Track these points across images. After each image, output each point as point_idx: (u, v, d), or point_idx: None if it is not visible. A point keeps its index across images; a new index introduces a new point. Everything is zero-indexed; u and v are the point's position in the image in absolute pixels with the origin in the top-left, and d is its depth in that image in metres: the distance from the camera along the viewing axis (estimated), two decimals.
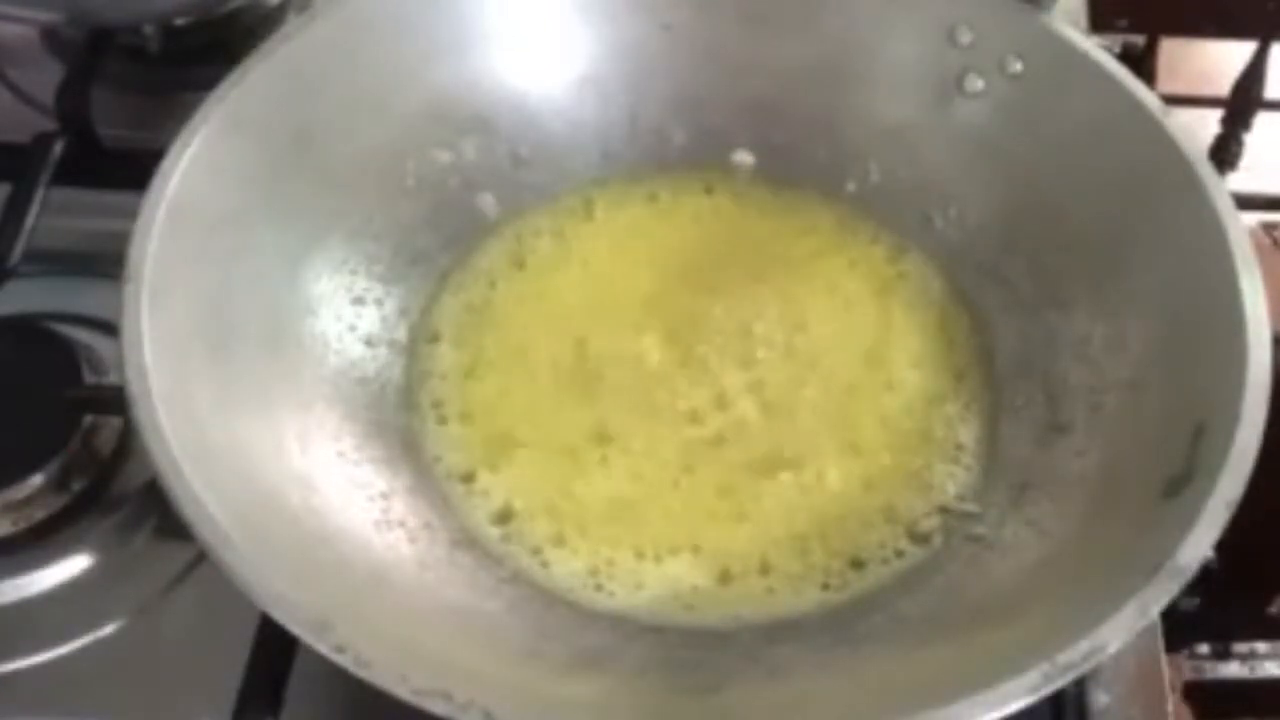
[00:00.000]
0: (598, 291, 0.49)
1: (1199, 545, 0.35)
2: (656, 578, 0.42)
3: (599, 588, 0.42)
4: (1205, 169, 0.43)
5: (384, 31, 0.47)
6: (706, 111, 0.51)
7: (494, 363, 0.47)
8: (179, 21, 0.60)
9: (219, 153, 0.42)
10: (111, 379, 0.48)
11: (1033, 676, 0.32)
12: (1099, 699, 0.43)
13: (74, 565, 0.46)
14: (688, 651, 0.41)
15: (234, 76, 0.43)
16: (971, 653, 0.37)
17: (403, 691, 0.32)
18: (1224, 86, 0.82)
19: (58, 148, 0.54)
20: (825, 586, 0.43)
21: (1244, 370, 0.38)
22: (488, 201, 0.50)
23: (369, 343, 0.46)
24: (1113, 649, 0.33)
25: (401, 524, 0.42)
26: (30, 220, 0.51)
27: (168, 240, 0.39)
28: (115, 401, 0.39)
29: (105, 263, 0.42)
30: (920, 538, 0.44)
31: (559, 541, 0.43)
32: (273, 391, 0.42)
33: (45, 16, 0.58)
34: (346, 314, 0.46)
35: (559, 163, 0.51)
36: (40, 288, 0.52)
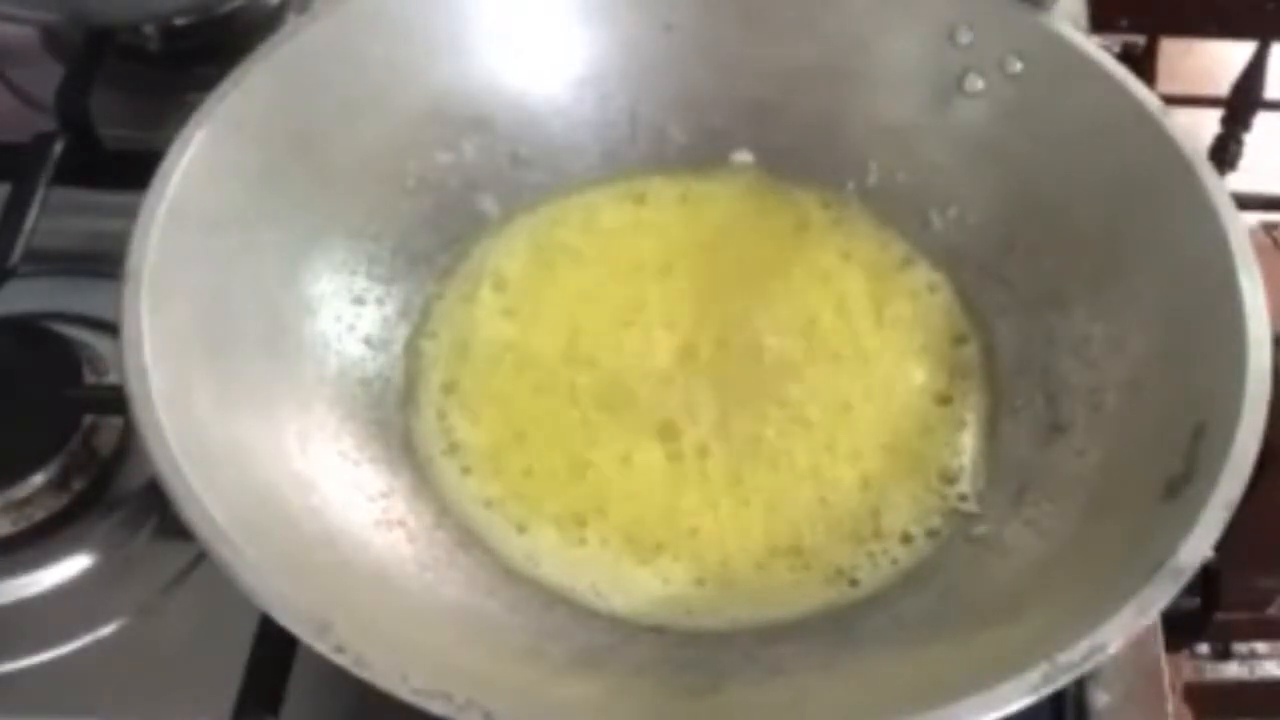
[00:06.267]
0: (597, 291, 0.49)
1: (1199, 545, 0.35)
2: (655, 580, 0.42)
3: (597, 591, 0.42)
4: (1205, 169, 0.43)
5: (384, 31, 0.47)
6: (706, 111, 0.51)
7: (494, 363, 0.47)
8: (179, 21, 0.60)
9: (219, 153, 0.42)
10: (111, 379, 0.48)
11: (1033, 676, 0.33)
12: (1099, 699, 0.43)
13: (74, 565, 0.46)
14: (687, 651, 0.41)
15: (234, 76, 0.43)
16: (971, 653, 0.37)
17: (403, 691, 0.32)
18: (1224, 86, 0.82)
19: (58, 148, 0.54)
20: (825, 587, 0.42)
21: (1244, 370, 0.38)
22: (488, 201, 0.50)
23: (369, 343, 0.46)
24: (1113, 649, 0.33)
25: (401, 524, 0.42)
26: (30, 220, 0.51)
27: (168, 240, 0.39)
28: (115, 401, 0.39)
29: (105, 263, 0.42)
30: (920, 538, 0.44)
31: (558, 543, 0.43)
32: (273, 391, 0.42)
33: (45, 16, 0.58)
34: (346, 314, 0.46)
35: (559, 163, 0.51)
36: (40, 288, 0.52)
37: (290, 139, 0.45)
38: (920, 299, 0.49)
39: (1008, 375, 0.47)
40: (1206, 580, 0.40)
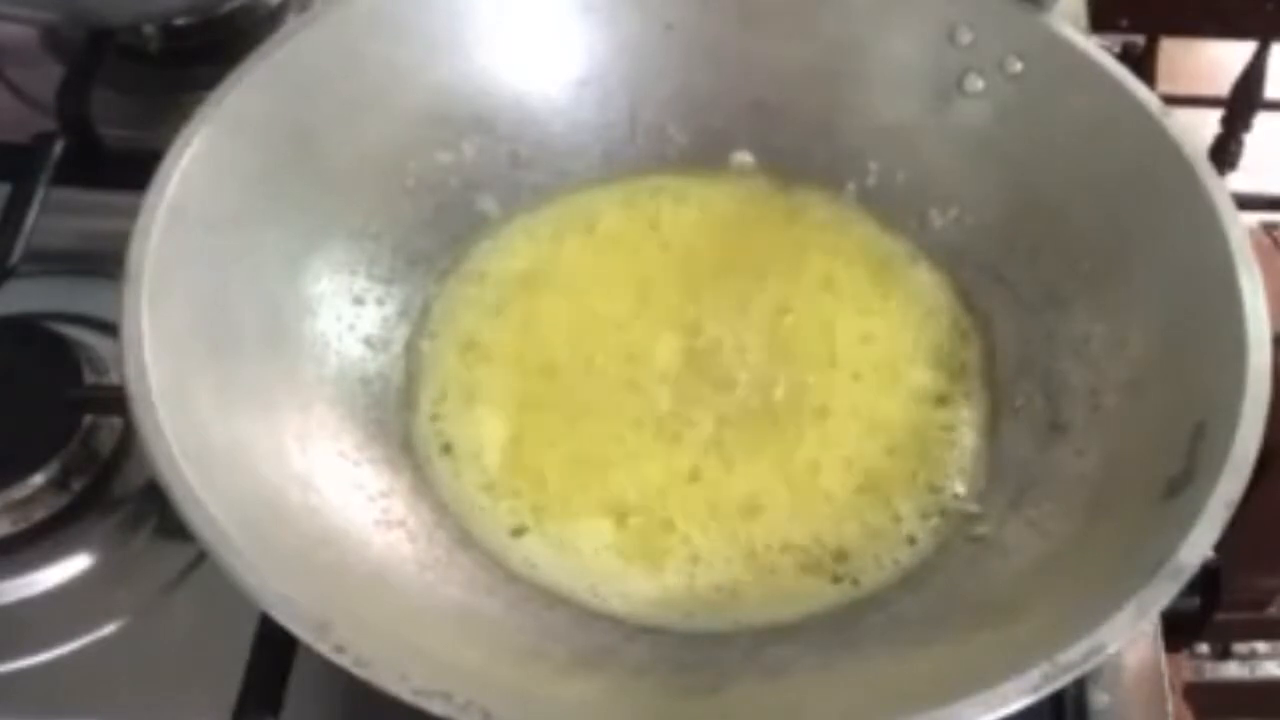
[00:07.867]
0: (597, 293, 0.49)
1: (1199, 545, 0.35)
2: (654, 583, 0.42)
3: (596, 593, 0.42)
4: (1205, 169, 0.43)
5: (384, 31, 0.47)
6: (706, 111, 0.51)
7: (494, 362, 0.47)
8: (179, 21, 0.60)
9: (219, 153, 0.42)
10: (111, 379, 0.48)
11: (1033, 676, 0.33)
12: (1099, 699, 0.43)
13: (74, 565, 0.46)
14: (687, 652, 0.41)
15: (234, 76, 0.43)
16: (971, 653, 0.37)
17: (403, 691, 0.32)
18: (1224, 86, 0.82)
19: (58, 148, 0.54)
20: (826, 587, 0.42)
21: (1244, 370, 0.38)
22: (488, 201, 0.50)
23: (369, 343, 0.46)
24: (1113, 649, 0.33)
25: (401, 524, 0.42)
26: (30, 220, 0.51)
27: (168, 240, 0.39)
28: (115, 401, 0.39)
29: (105, 263, 0.42)
30: (921, 538, 0.44)
31: (555, 545, 0.43)
32: (273, 391, 0.42)
33: (45, 16, 0.58)
34: (346, 314, 0.46)
35: (559, 163, 0.51)
36: (40, 288, 0.52)
37: (290, 139, 0.45)
38: (920, 299, 0.49)
39: (1008, 375, 0.47)
40: (1206, 580, 0.40)
